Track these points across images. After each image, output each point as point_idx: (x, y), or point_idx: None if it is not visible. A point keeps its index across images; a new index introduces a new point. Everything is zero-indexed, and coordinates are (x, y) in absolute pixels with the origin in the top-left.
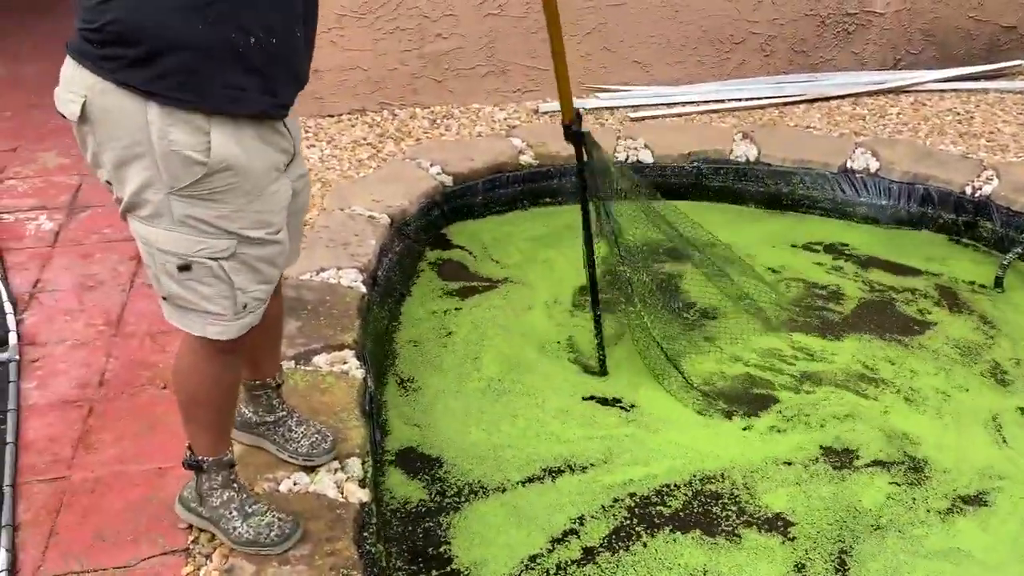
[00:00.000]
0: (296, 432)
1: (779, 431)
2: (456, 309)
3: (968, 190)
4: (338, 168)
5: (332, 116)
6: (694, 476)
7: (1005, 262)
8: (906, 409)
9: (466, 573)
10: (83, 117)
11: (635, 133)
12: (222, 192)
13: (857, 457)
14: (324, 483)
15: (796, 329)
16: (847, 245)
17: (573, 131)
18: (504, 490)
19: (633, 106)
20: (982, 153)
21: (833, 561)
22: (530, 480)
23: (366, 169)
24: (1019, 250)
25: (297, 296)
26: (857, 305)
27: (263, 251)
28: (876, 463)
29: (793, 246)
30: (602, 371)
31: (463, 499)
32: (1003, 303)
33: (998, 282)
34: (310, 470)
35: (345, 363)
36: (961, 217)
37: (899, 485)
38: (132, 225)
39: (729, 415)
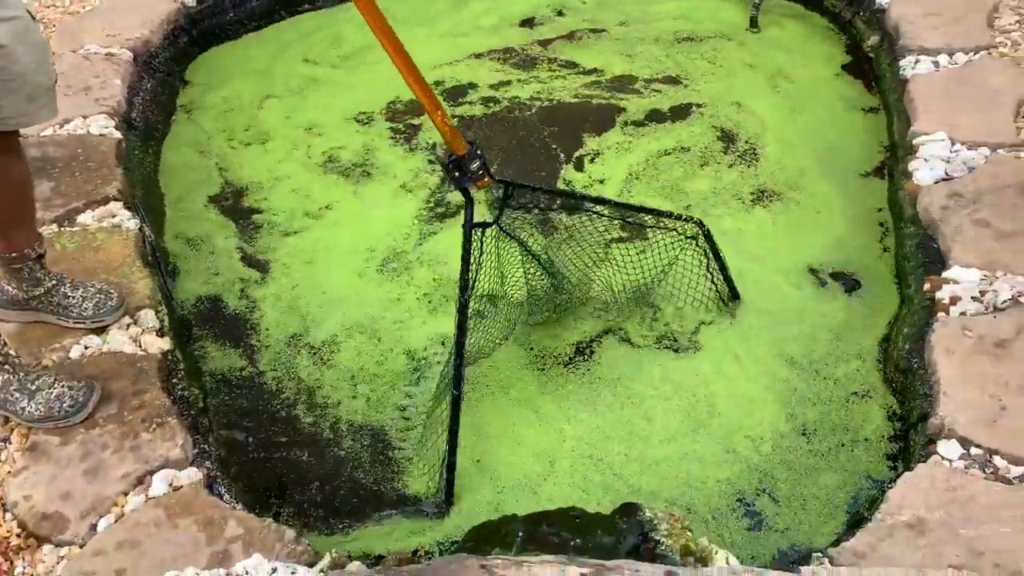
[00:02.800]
0: (74, 297)
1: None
2: (231, 139)
3: None
4: (59, 4)
5: None
6: None
7: (757, 1)
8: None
9: (320, 404)
10: None
11: None
12: None
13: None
14: (118, 340)
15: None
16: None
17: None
18: (341, 299)
19: None
20: None
21: None
22: (368, 273)
23: (92, 1)
24: None
25: (43, 155)
26: (628, 37)
27: None
28: (712, 151)
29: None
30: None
31: (295, 334)
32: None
33: (753, 22)
34: (101, 331)
35: (114, 216)
36: None
37: (729, 172)
38: None
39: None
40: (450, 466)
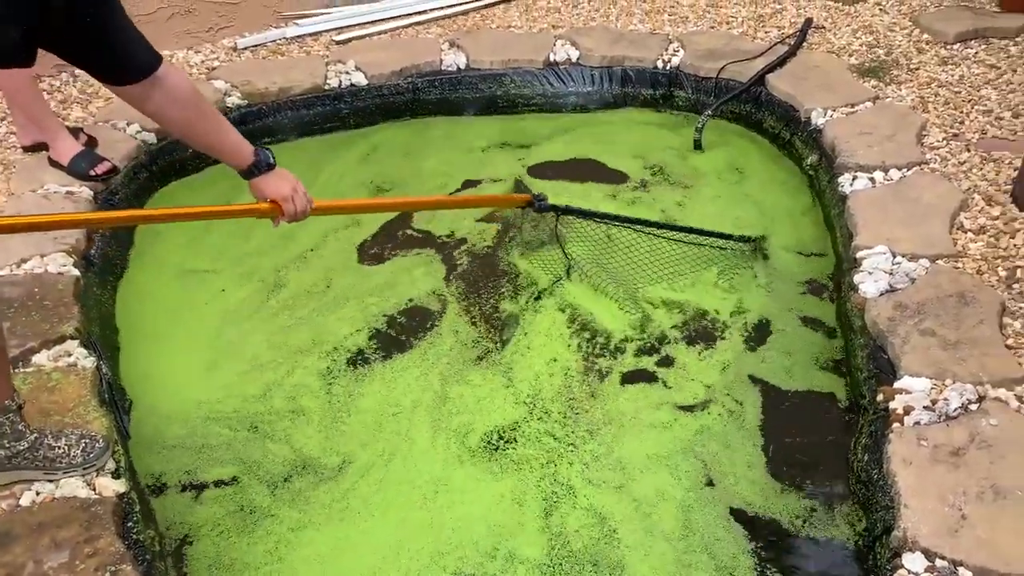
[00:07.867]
0: (59, 447)
1: None
2: (189, 276)
3: (660, 64)
4: (18, 145)
5: None
6: None
7: (700, 125)
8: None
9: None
10: None
11: (344, 56)
12: None
13: None
14: (71, 485)
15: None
16: (562, 134)
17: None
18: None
19: (337, 28)
20: (667, 28)
21: None
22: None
23: None
24: (710, 112)
25: None
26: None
27: None
28: None
29: (521, 147)
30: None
31: (243, 469)
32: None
33: (696, 144)
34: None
35: (70, 355)
36: (658, 91)
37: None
38: None
39: None
40: None
